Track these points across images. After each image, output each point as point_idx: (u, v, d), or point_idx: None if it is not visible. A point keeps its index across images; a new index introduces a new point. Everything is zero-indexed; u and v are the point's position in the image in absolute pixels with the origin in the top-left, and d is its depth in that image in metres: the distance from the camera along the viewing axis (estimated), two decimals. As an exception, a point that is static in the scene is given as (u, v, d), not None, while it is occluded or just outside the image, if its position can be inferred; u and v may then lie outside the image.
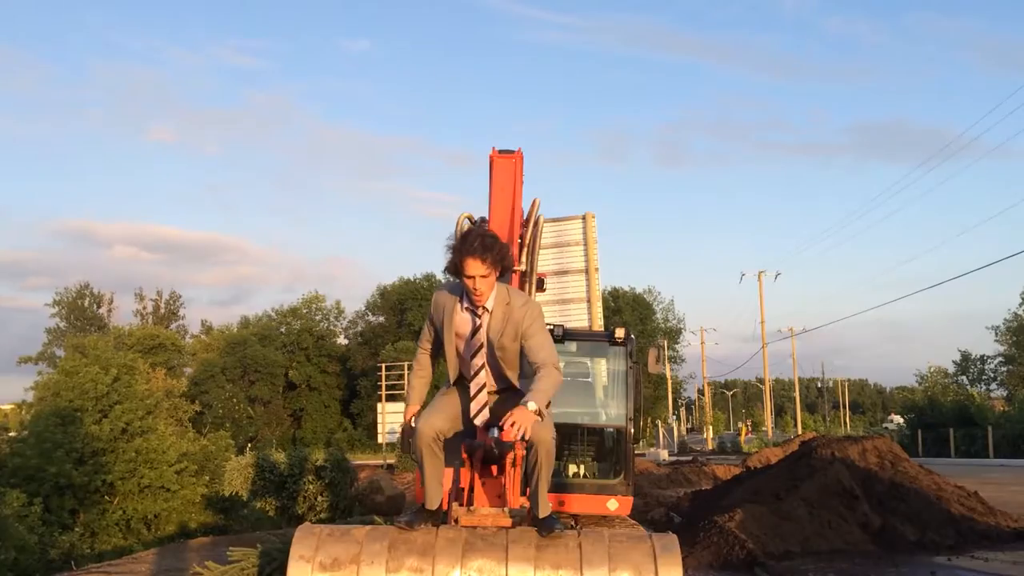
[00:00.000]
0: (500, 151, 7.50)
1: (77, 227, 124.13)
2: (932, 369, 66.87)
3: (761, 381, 70.28)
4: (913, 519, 13.75)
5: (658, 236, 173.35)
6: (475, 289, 4.42)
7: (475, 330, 4.58)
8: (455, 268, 4.44)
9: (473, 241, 4.37)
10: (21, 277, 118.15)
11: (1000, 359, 64.23)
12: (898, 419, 73.82)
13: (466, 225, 7.31)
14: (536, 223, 7.12)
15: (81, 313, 71.92)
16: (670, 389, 71.23)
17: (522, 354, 4.66)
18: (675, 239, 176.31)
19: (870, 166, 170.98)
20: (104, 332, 62.25)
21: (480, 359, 4.58)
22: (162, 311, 75.06)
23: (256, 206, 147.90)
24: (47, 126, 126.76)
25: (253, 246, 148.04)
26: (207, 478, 19.27)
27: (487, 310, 4.56)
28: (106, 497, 17.09)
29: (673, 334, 74.03)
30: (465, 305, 4.59)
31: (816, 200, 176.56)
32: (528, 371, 4.68)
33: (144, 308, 74.55)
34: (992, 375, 65.77)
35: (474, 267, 4.36)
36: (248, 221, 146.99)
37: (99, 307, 73.56)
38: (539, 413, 4.37)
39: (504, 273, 4.54)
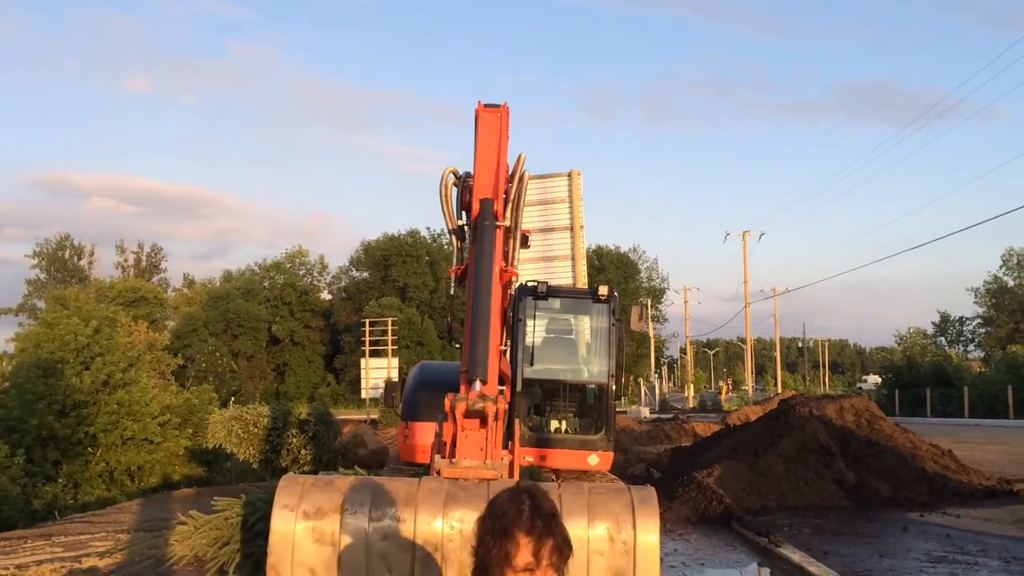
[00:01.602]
0: (486, 105, 7.45)
1: (54, 178, 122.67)
2: (911, 330, 67.63)
3: (743, 340, 70.80)
4: (888, 476, 13.99)
5: (643, 195, 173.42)
6: None
7: None
8: (490, 553, 2.40)
9: (521, 505, 2.40)
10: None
11: (978, 321, 64.97)
12: (873, 379, 74.73)
13: (451, 180, 7.27)
14: (521, 179, 7.07)
15: (62, 265, 71.34)
16: (652, 348, 71.68)
17: None
18: (661, 198, 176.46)
19: (856, 126, 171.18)
20: (85, 284, 61.82)
21: None
22: (143, 264, 74.57)
23: (236, 159, 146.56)
24: (21, 74, 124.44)
25: (233, 200, 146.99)
26: (190, 431, 19.34)
27: None
28: (89, 449, 17.13)
29: (657, 293, 74.29)
30: None
31: (802, 160, 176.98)
32: None
33: (125, 261, 74.06)
34: (970, 336, 66.58)
35: (527, 553, 2.36)
36: (228, 174, 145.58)
37: (80, 259, 73.03)
38: None
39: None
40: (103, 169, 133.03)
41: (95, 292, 50.09)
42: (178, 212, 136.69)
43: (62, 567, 8.46)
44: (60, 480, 16.40)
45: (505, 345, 8.70)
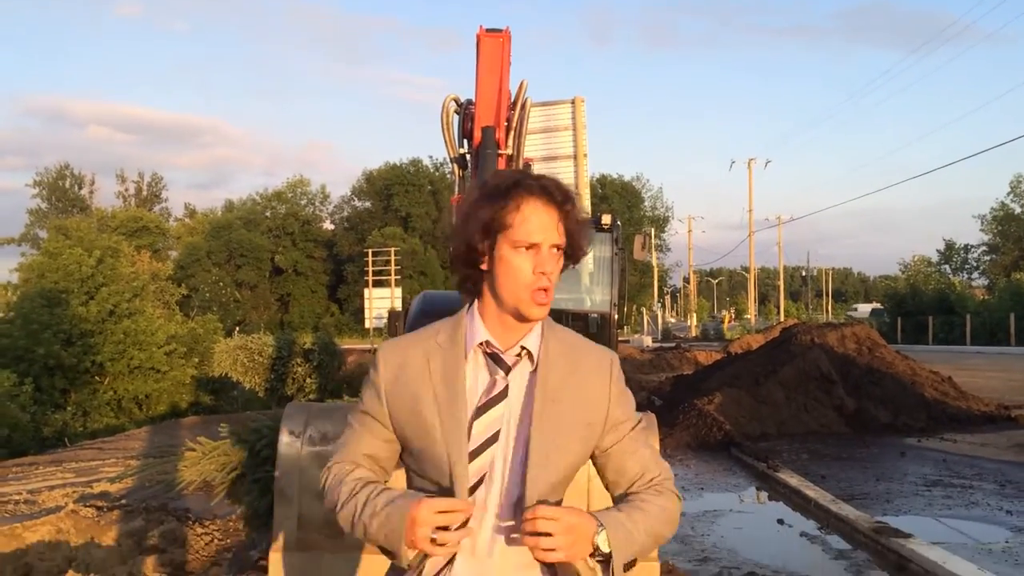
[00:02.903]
0: (487, 30, 7.30)
1: (49, 105, 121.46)
2: (916, 258, 67.42)
3: (747, 269, 70.91)
4: (887, 403, 14.14)
5: (648, 123, 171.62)
6: (541, 274, 1.81)
7: (491, 400, 1.85)
8: (490, 229, 1.82)
9: (539, 178, 1.86)
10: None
11: (984, 248, 64.71)
12: (864, 307, 74.79)
13: (452, 107, 7.16)
14: (523, 106, 6.97)
15: (63, 194, 71.02)
16: (656, 277, 71.80)
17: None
18: (665, 127, 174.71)
19: (863, 51, 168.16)
20: (87, 214, 61.69)
21: (484, 466, 1.83)
22: (144, 193, 74.23)
23: (232, 87, 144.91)
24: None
25: (231, 128, 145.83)
26: (196, 360, 19.54)
27: (528, 353, 1.88)
28: (96, 378, 17.34)
29: (661, 222, 74.05)
30: (481, 343, 1.87)
31: (808, 87, 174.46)
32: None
33: (126, 190, 73.68)
34: (975, 264, 66.41)
35: (546, 221, 1.83)
36: (224, 102, 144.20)
37: (80, 188, 72.63)
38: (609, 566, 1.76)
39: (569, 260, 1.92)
40: (98, 97, 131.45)
41: (97, 222, 50.06)
42: (175, 141, 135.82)
43: (74, 492, 8.64)
44: (69, 408, 16.65)
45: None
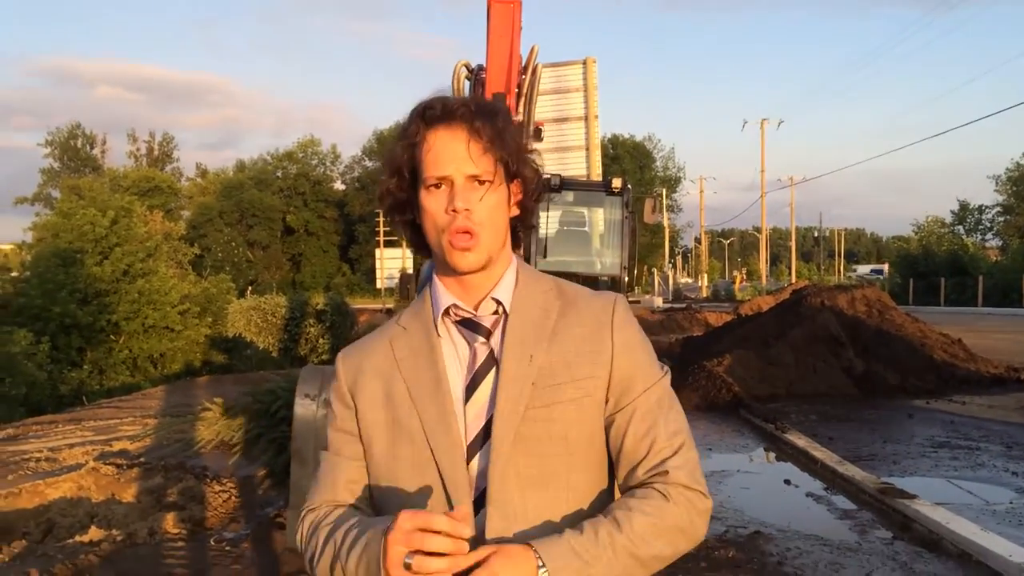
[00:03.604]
0: (498, -5, 7.28)
1: (58, 66, 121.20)
2: (929, 219, 66.86)
3: (758, 230, 70.61)
4: (896, 365, 14.19)
5: (660, 83, 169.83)
6: (453, 211, 1.40)
7: (477, 376, 1.45)
8: (403, 174, 1.47)
9: (446, 99, 1.46)
10: (5, 116, 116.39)
11: (998, 209, 64.08)
12: (863, 268, 74.42)
13: (463, 74, 7.16)
14: (534, 71, 6.97)
15: (75, 154, 71.10)
16: (667, 238, 71.60)
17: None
18: (678, 86, 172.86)
19: (876, 11, 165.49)
20: (99, 174, 61.81)
21: (487, 459, 1.42)
22: (156, 153, 74.22)
23: (240, 46, 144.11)
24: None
25: (241, 87, 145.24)
26: (210, 319, 19.73)
27: (501, 307, 1.49)
28: (112, 336, 17.54)
29: (672, 183, 73.69)
30: (450, 310, 1.48)
31: (823, 46, 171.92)
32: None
33: (137, 150, 73.71)
34: (989, 225, 65.78)
35: (454, 148, 1.41)
36: (233, 61, 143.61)
37: (92, 148, 72.67)
38: None
39: (527, 205, 1.52)
40: (107, 56, 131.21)
41: (109, 181, 50.19)
42: (185, 100, 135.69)
43: (94, 450, 8.82)
44: (85, 367, 16.88)
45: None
